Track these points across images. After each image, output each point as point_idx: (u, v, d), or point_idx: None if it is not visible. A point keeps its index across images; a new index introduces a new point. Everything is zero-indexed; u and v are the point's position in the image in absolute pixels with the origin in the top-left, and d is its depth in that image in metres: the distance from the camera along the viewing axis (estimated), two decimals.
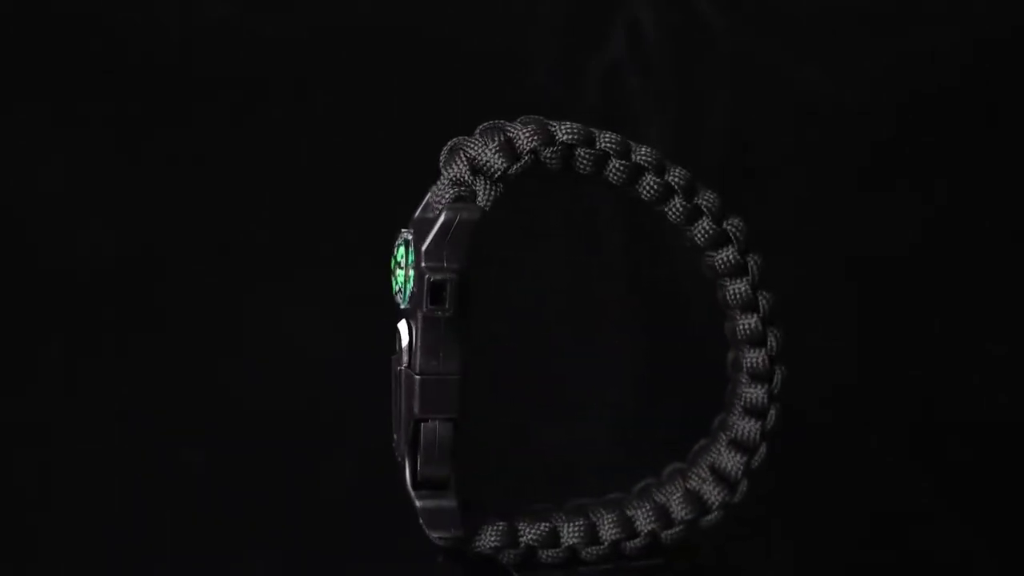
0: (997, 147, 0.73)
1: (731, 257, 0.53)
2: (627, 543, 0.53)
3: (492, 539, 0.53)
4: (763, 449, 0.55)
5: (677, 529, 0.54)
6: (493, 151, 0.52)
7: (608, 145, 0.52)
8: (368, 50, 0.75)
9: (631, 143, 0.52)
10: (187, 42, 0.75)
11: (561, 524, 0.53)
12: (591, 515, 0.54)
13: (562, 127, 0.52)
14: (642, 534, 0.53)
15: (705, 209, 0.53)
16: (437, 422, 0.53)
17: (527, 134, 0.51)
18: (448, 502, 0.54)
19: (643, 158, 0.52)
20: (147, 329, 0.73)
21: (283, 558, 0.65)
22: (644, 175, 0.52)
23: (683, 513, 0.54)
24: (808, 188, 0.74)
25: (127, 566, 0.65)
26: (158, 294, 0.73)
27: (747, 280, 0.54)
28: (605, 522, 0.53)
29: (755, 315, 0.54)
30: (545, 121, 0.52)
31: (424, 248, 0.52)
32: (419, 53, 0.75)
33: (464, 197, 0.52)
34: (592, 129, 0.52)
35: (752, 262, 0.54)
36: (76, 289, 0.74)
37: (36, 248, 0.74)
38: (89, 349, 0.72)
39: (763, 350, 0.54)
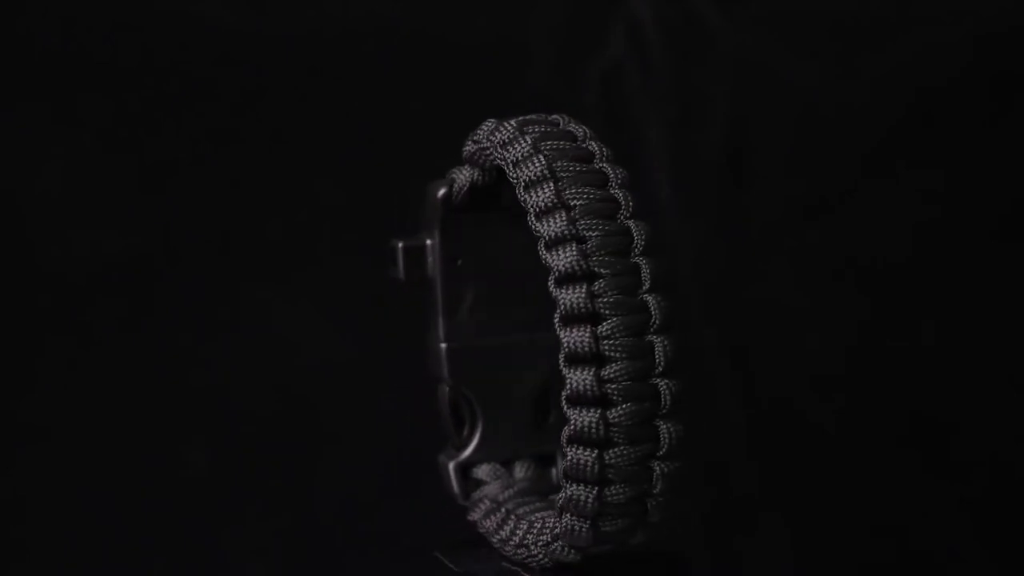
0: (998, 147, 0.73)
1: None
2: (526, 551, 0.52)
3: (475, 513, 0.54)
4: (562, 494, 0.49)
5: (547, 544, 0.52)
6: (475, 139, 0.52)
7: (506, 157, 0.50)
8: (368, 50, 0.75)
9: (525, 160, 0.49)
10: (187, 42, 0.75)
11: (507, 519, 0.54)
12: (524, 513, 0.53)
13: (498, 129, 0.51)
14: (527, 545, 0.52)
15: (543, 235, 0.49)
16: (441, 384, 0.55)
17: (486, 129, 0.51)
18: (444, 459, 0.55)
19: (521, 175, 0.49)
20: (147, 329, 0.73)
21: (283, 558, 0.65)
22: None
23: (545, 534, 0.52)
24: (808, 188, 0.74)
25: (127, 566, 0.65)
26: (158, 294, 0.73)
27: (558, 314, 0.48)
28: (521, 525, 0.53)
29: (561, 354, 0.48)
30: (529, 123, 0.51)
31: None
32: (419, 53, 0.75)
33: (453, 178, 0.53)
34: (531, 137, 0.50)
35: (564, 297, 0.48)
36: (76, 289, 0.74)
37: (35, 248, 0.74)
38: (89, 349, 0.72)
39: (563, 392, 0.48)
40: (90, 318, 0.73)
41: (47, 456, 0.70)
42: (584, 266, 0.48)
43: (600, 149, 0.50)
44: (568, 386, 0.47)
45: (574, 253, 0.48)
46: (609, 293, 0.48)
